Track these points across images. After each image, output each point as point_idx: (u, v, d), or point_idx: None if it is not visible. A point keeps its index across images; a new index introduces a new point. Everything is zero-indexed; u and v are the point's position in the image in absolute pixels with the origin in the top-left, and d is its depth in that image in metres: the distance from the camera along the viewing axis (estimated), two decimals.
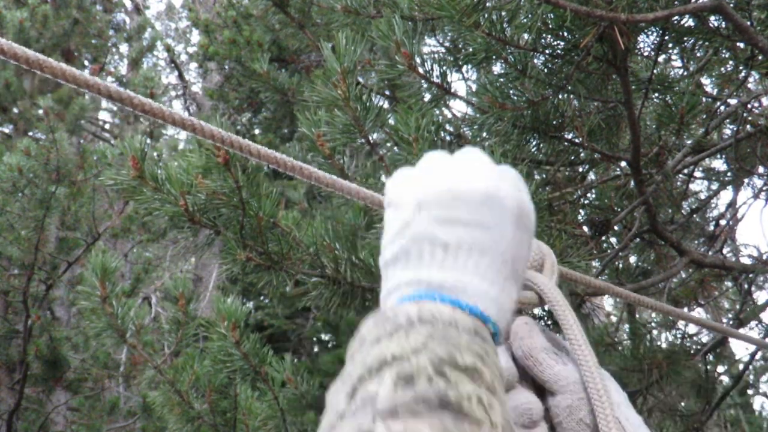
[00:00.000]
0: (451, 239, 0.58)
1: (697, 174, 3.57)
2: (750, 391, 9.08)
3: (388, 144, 3.02)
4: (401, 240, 0.61)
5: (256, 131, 10.75)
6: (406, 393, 0.46)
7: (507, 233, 0.59)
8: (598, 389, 0.70)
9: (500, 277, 0.59)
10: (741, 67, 2.17)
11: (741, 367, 3.98)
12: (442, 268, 0.58)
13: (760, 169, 2.91)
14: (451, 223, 0.59)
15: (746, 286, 3.12)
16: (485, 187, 0.59)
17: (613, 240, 2.57)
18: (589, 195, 2.49)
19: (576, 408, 0.70)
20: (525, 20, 1.70)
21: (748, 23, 1.65)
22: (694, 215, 3.21)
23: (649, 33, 1.87)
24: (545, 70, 1.88)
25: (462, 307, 0.55)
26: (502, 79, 1.93)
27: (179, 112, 0.69)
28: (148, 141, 1.99)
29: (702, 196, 3.80)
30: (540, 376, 0.72)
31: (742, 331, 2.90)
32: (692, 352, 3.04)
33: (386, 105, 3.63)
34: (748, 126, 2.55)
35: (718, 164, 3.91)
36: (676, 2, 1.72)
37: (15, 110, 7.46)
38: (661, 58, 1.96)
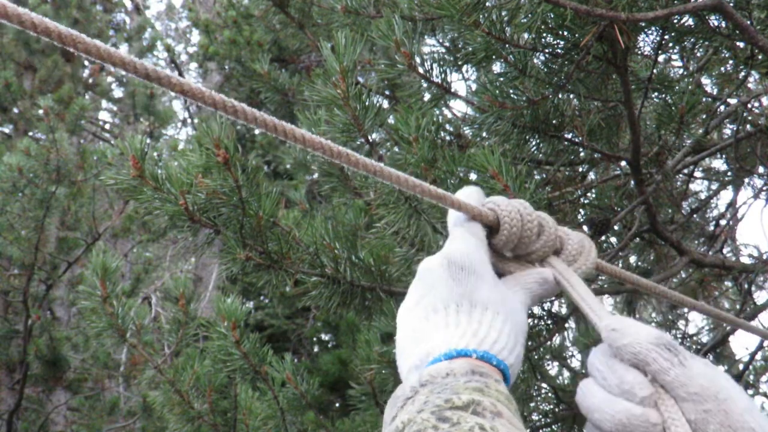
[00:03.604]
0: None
1: (697, 174, 3.57)
2: (750, 391, 9.07)
3: (388, 143, 3.02)
4: None
5: (257, 131, 10.75)
6: None
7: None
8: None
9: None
10: (741, 67, 2.17)
11: (741, 367, 3.97)
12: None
13: (760, 169, 2.91)
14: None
15: (746, 286, 3.12)
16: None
17: (613, 240, 2.56)
18: (589, 195, 2.48)
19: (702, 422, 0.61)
20: (525, 19, 1.69)
21: (748, 22, 1.65)
22: (694, 215, 3.21)
23: (649, 32, 1.87)
24: (545, 70, 1.88)
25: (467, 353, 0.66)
26: (501, 79, 1.92)
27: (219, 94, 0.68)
28: (148, 141, 1.99)
29: (702, 196, 3.79)
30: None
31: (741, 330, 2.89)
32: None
33: (386, 104, 3.63)
34: (748, 126, 2.55)
35: (718, 164, 3.91)
36: (675, 1, 1.72)
37: (15, 110, 7.46)
38: (661, 58, 1.95)
